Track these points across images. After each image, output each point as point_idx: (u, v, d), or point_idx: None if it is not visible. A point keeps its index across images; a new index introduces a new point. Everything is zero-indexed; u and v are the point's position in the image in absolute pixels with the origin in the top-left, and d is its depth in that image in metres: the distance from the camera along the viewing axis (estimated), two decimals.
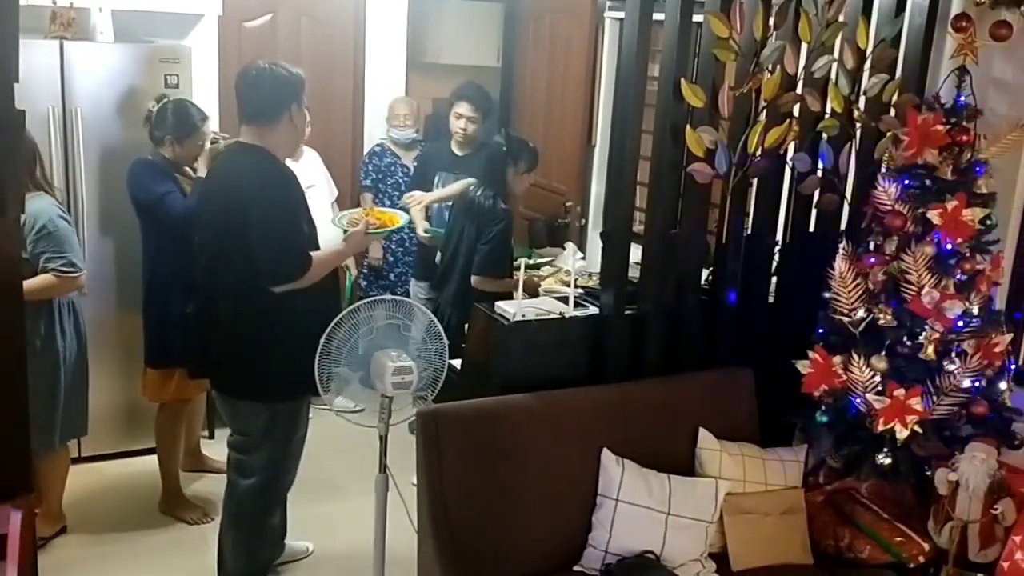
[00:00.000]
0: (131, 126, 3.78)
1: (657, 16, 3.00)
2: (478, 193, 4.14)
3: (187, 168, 3.68)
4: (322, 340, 2.92)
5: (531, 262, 4.93)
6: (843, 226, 3.44)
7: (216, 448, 4.20)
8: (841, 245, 3.14)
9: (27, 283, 3.10)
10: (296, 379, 3.01)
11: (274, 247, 2.90)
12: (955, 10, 3.20)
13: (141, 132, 3.77)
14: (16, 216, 2.19)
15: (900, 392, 2.90)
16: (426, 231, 4.60)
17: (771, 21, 3.09)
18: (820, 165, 3.35)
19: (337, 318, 2.94)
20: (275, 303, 2.96)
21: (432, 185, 4.73)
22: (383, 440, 3.04)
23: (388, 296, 3.16)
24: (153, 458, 3.98)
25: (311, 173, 4.56)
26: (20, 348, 2.27)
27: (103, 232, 4.08)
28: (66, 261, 3.33)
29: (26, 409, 2.30)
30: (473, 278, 4.02)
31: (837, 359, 3.05)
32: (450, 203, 4.72)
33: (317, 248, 3.11)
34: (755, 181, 3.31)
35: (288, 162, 4.33)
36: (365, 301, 3.02)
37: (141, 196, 3.63)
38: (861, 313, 3.04)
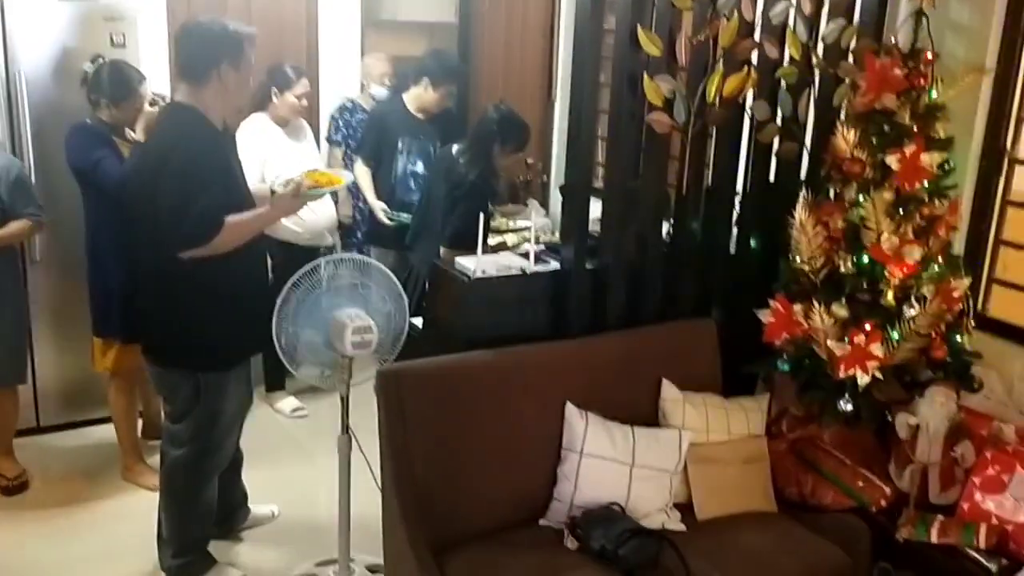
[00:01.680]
0: (76, 88, 3.67)
1: None
2: (461, 161, 4.06)
3: (127, 131, 3.58)
4: (279, 301, 2.87)
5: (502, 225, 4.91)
6: (803, 175, 3.43)
7: None
8: (801, 194, 3.14)
9: (8, 229, 3.53)
10: (220, 350, 2.98)
11: (175, 209, 2.75)
12: None
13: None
14: None
15: (860, 339, 2.91)
16: (389, 217, 4.54)
17: None
18: (779, 113, 3.33)
19: (294, 277, 2.89)
20: (193, 269, 2.83)
21: (395, 148, 4.64)
22: (344, 401, 3.01)
23: (346, 255, 3.11)
24: (113, 426, 3.93)
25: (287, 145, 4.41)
26: None
27: (49, 199, 3.92)
28: (36, 206, 3.61)
29: None
30: (442, 249, 3.97)
31: (798, 308, 3.05)
32: (418, 172, 4.65)
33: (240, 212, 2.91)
34: (714, 131, 3.28)
35: (284, 136, 4.27)
36: (323, 259, 2.97)
37: (76, 162, 3.54)
38: (821, 261, 3.04)
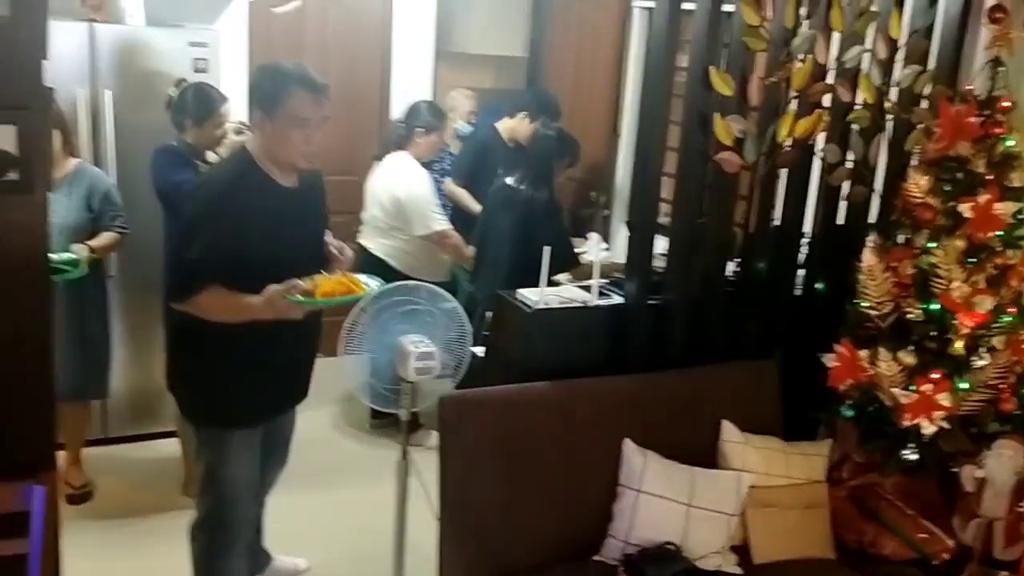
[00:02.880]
0: (158, 110, 3.79)
1: (687, 6, 2.97)
2: (522, 187, 4.09)
3: (210, 154, 3.68)
4: (346, 324, 2.92)
5: None
6: (872, 219, 3.41)
7: None
8: (870, 238, 3.11)
9: (101, 239, 3.64)
10: (218, 407, 2.84)
11: (171, 256, 2.75)
12: (990, 1, 3.14)
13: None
14: (43, 193, 2.19)
15: (927, 387, 2.87)
16: None
17: (803, 10, 3.06)
18: (850, 156, 3.31)
19: (360, 304, 2.93)
20: (192, 321, 2.67)
21: (493, 174, 4.67)
22: (405, 425, 3.04)
23: (411, 282, 3.15)
24: (178, 440, 4.01)
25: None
26: (47, 324, 2.26)
27: (130, 217, 4.08)
28: (124, 219, 3.73)
29: (52, 386, 2.30)
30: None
31: (864, 353, 3.01)
32: None
33: (250, 274, 2.58)
34: (783, 172, 3.28)
35: (415, 177, 4.34)
36: (390, 286, 3.01)
37: (159, 183, 3.64)
38: (890, 307, 3.01)
